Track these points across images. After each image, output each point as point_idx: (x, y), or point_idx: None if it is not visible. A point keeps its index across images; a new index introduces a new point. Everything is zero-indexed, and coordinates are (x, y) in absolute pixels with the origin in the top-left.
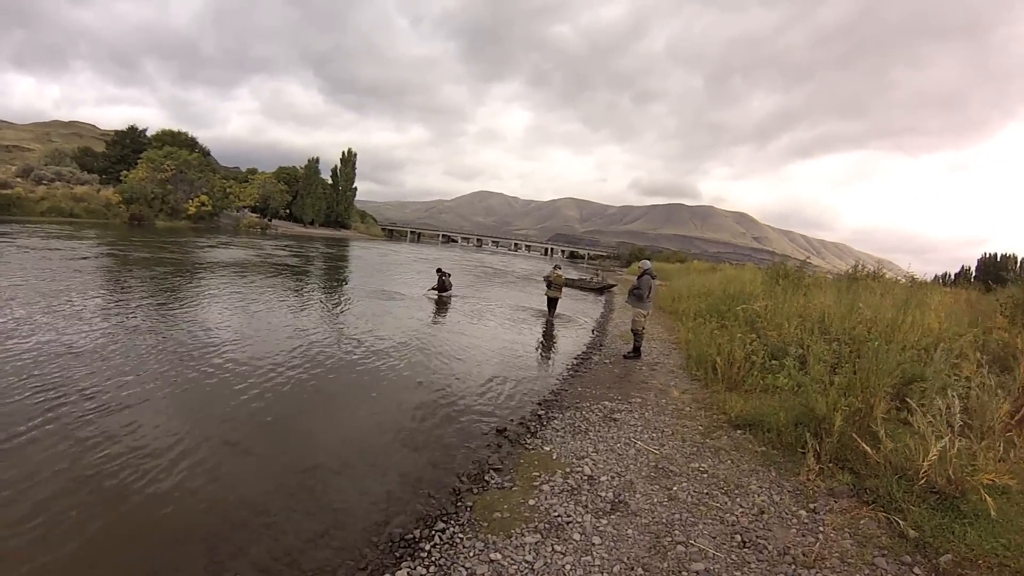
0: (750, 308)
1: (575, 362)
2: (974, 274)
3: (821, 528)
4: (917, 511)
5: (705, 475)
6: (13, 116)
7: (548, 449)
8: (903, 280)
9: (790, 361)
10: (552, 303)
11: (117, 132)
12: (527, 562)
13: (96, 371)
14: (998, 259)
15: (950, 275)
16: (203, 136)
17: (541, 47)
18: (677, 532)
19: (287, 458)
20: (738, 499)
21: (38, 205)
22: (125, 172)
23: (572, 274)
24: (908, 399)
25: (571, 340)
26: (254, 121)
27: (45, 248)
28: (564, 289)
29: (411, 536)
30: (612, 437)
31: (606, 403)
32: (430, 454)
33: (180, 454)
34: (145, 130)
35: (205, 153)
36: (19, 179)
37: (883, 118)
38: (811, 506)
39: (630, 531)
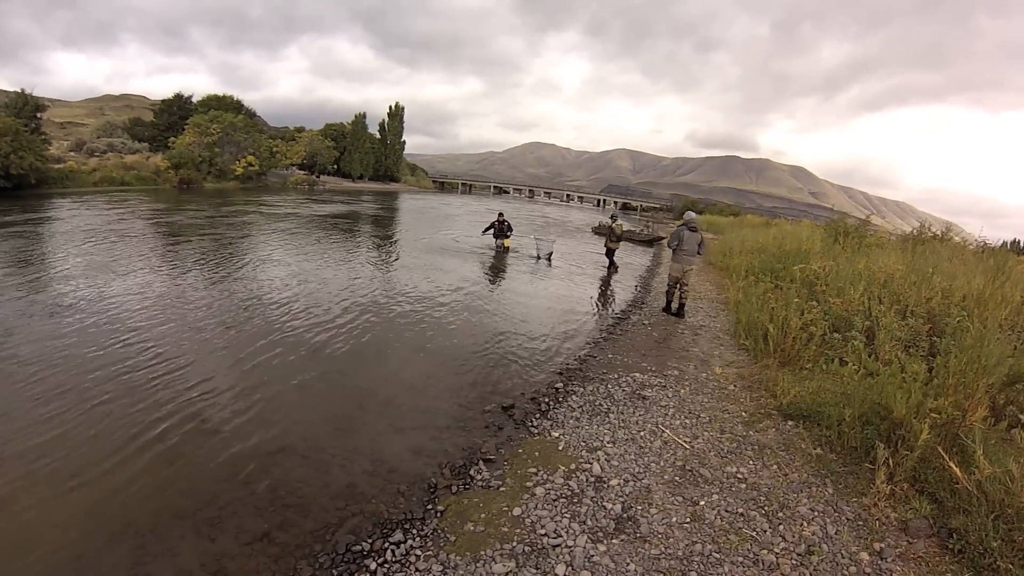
0: (808, 268)
1: (612, 322)
2: None
3: None
4: (1019, 574)
5: (743, 485)
6: (66, 94)
7: (556, 435)
8: (972, 245)
9: (857, 336)
10: (611, 254)
11: (164, 101)
12: None
13: (158, 329)
14: None
15: (1020, 242)
16: (253, 98)
17: None
18: (694, 575)
19: (255, 438)
20: (781, 527)
21: (91, 176)
22: (173, 139)
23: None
24: (1012, 406)
25: (616, 296)
26: (303, 80)
27: (100, 216)
28: None
29: (359, 548)
30: (637, 422)
31: (637, 375)
32: (415, 437)
33: None
34: (191, 97)
35: (251, 115)
36: (72, 153)
37: (964, 70)
38: (876, 547)
39: (632, 566)
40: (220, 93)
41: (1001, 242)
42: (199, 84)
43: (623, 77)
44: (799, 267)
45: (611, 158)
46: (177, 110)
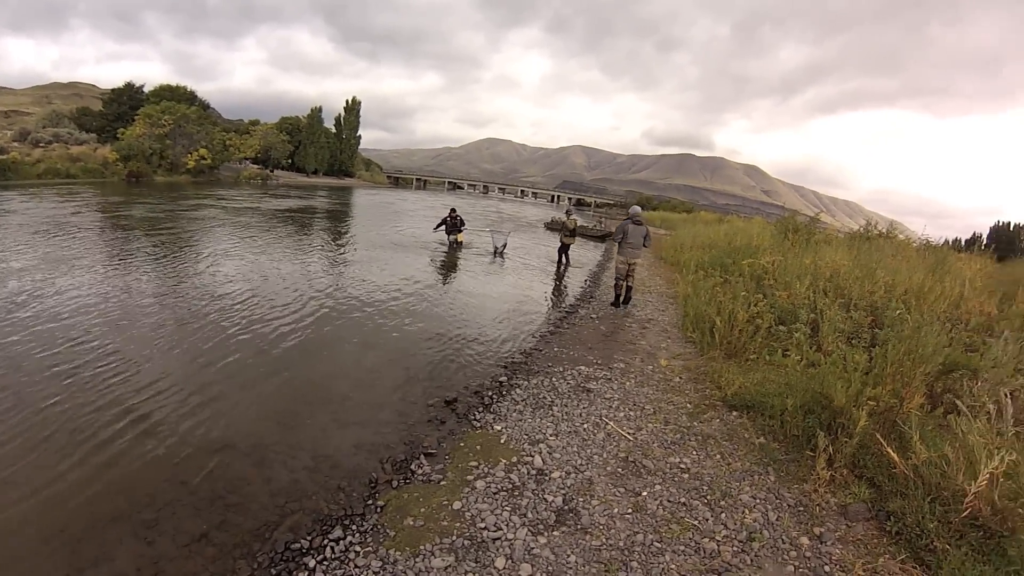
0: (757, 263)
1: (560, 316)
2: (985, 242)
3: (826, 567)
4: (955, 554)
5: (686, 475)
6: (12, 81)
7: (498, 429)
8: (915, 243)
9: (801, 328)
10: (565, 249)
11: (114, 90)
12: None
13: (100, 329)
14: (1011, 228)
15: (961, 240)
16: (208, 89)
17: None
18: (636, 564)
19: (197, 437)
20: (723, 515)
21: (34, 168)
22: (122, 130)
23: (579, 221)
24: (948, 394)
25: (566, 291)
26: (261, 72)
27: (41, 210)
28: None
29: (299, 546)
30: (580, 415)
31: (582, 368)
32: (358, 430)
33: None
34: (143, 86)
35: (205, 106)
36: (16, 143)
37: (916, 76)
38: (816, 531)
39: (573, 558)
40: (173, 83)
41: (943, 240)
42: (152, 73)
43: (583, 74)
44: (748, 262)
45: (567, 154)
46: (128, 100)
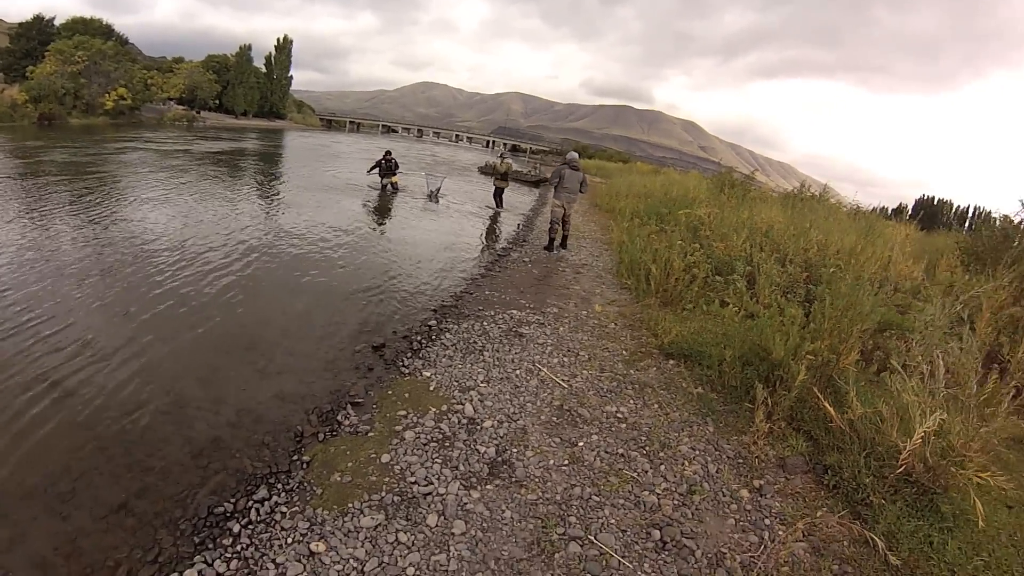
0: (693, 214)
1: (492, 259)
2: (911, 212)
3: (767, 520)
4: (891, 509)
5: (623, 425)
6: None
7: (427, 375)
8: (846, 207)
9: (739, 280)
10: (499, 193)
11: (21, 24)
12: (356, 560)
13: (17, 285)
14: (935, 203)
15: (888, 209)
16: (127, 22)
17: None
18: (574, 519)
19: (113, 397)
20: (663, 467)
21: None
22: (32, 68)
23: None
24: (878, 351)
25: (499, 235)
26: (185, 5)
27: None
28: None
29: (222, 509)
30: (512, 360)
31: (514, 312)
32: (282, 381)
33: None
34: (53, 19)
35: (123, 42)
36: None
37: (856, 53)
38: (756, 483)
39: (508, 513)
40: (87, 15)
41: (871, 207)
42: (63, 4)
43: (523, 21)
44: (684, 212)
45: (503, 101)
46: (36, 35)
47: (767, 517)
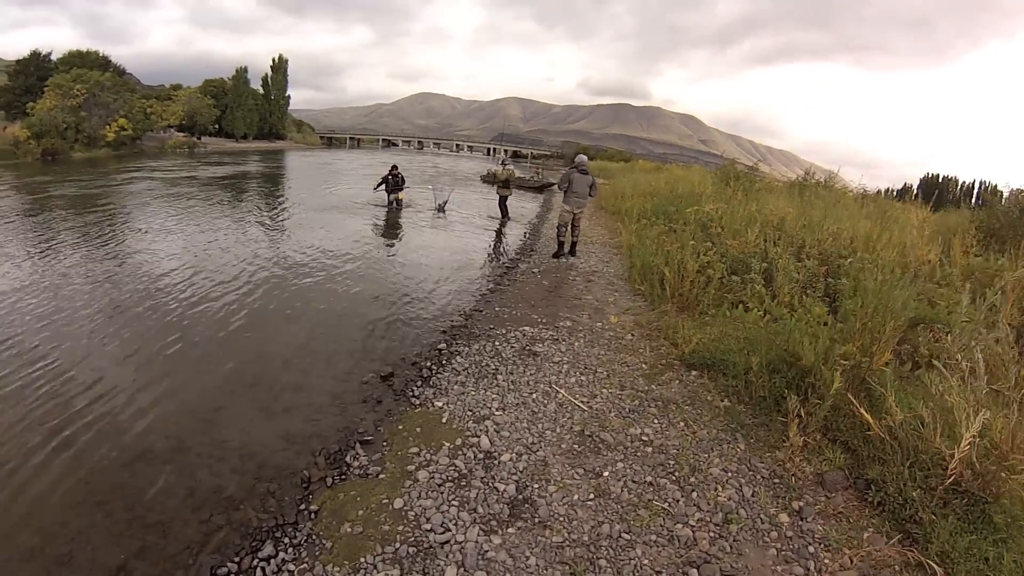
0: (702, 210)
1: (500, 272)
2: (916, 192)
3: (810, 547)
4: (943, 525)
5: (649, 448)
6: None
7: (439, 405)
8: (852, 192)
9: (756, 279)
10: (503, 201)
11: (19, 61)
12: None
13: (25, 327)
14: (940, 180)
15: (893, 190)
16: (123, 53)
17: None
18: (604, 562)
19: (112, 447)
20: (694, 493)
21: None
22: (32, 104)
23: (516, 172)
24: (906, 344)
25: (506, 245)
26: (180, 32)
27: None
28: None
29: (225, 570)
30: (528, 382)
31: (527, 328)
32: (288, 420)
33: None
34: (50, 54)
35: (120, 72)
36: None
37: (850, 33)
38: (795, 506)
39: (533, 560)
40: (84, 48)
41: (877, 190)
42: (62, 39)
43: (517, 25)
44: (693, 209)
45: (502, 106)
46: (35, 70)
47: (811, 544)
